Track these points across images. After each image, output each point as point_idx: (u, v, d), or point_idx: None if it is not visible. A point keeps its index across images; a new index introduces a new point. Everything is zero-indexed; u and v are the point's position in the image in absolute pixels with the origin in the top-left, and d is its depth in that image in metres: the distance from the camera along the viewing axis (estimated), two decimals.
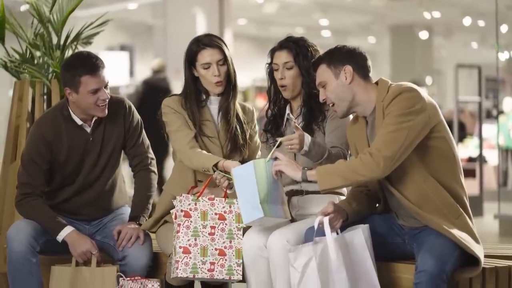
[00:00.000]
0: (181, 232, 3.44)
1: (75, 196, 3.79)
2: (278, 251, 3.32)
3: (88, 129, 3.74)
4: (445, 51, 24.00)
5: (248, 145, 3.75)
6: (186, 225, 3.45)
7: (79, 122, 3.72)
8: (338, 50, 3.33)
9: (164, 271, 3.63)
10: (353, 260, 3.17)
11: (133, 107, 3.86)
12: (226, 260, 3.44)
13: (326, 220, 3.17)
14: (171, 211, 3.52)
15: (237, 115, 3.74)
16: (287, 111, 3.69)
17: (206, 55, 3.65)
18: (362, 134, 3.35)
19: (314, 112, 3.59)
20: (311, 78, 3.54)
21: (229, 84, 3.70)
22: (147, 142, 3.90)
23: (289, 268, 3.18)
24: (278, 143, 3.36)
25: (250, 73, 17.85)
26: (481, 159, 10.05)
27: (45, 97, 4.41)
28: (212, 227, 3.47)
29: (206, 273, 3.43)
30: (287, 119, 3.67)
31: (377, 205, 3.44)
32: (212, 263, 3.43)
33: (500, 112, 12.69)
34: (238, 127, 3.71)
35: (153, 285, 3.54)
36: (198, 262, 3.42)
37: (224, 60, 3.66)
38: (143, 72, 16.51)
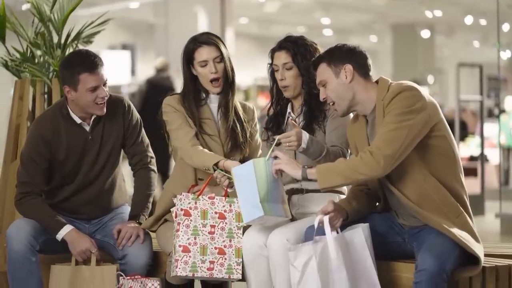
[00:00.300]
0: (181, 231, 3.44)
1: (74, 195, 3.79)
2: (278, 250, 3.33)
3: (87, 128, 3.74)
4: (447, 50, 23.99)
5: (249, 143, 3.76)
6: (186, 224, 3.45)
7: (78, 120, 3.73)
8: (338, 49, 3.33)
9: (164, 270, 3.63)
10: (353, 259, 3.17)
11: (132, 106, 3.86)
12: (225, 259, 3.45)
13: (326, 219, 3.17)
14: (171, 209, 3.52)
15: (237, 113, 3.74)
16: (288, 109, 3.69)
17: (203, 53, 3.66)
18: (362, 133, 3.35)
19: (314, 112, 3.59)
20: (311, 78, 3.54)
21: (227, 81, 3.71)
22: (146, 140, 3.90)
23: (289, 267, 3.18)
24: (276, 140, 3.37)
25: (252, 72, 17.85)
26: (482, 158, 10.03)
27: (45, 96, 4.41)
28: (212, 226, 3.47)
29: (205, 272, 3.43)
30: (288, 117, 3.67)
31: (377, 204, 3.44)
32: (211, 262, 3.43)
33: (502, 111, 12.68)
34: (238, 125, 3.71)
35: (153, 284, 3.54)
36: (198, 261, 3.42)
37: (221, 57, 3.67)
38: (145, 71, 16.52)
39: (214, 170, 3.48)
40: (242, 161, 3.63)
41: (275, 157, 3.30)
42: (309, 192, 3.58)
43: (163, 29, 14.26)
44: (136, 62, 16.58)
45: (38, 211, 3.66)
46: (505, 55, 13.30)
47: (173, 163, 9.28)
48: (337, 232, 3.22)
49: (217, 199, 3.49)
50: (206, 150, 3.58)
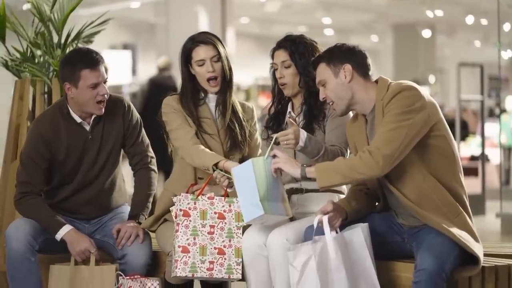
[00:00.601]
0: (180, 232, 3.44)
1: (74, 195, 3.79)
2: (278, 250, 3.33)
3: (87, 127, 3.75)
4: (448, 50, 23.99)
5: (248, 142, 3.76)
6: (185, 224, 3.45)
7: (78, 120, 3.73)
8: (337, 48, 3.33)
9: (163, 270, 3.63)
10: (353, 259, 3.17)
11: (132, 106, 3.87)
12: (225, 259, 3.45)
13: (325, 219, 3.17)
14: (170, 208, 3.52)
15: (236, 112, 3.74)
16: (289, 109, 3.69)
17: (200, 52, 3.67)
18: (361, 132, 3.35)
19: (314, 111, 3.59)
20: (309, 76, 3.55)
21: (225, 81, 3.71)
22: (146, 141, 3.90)
23: (288, 267, 3.18)
24: (274, 139, 3.37)
25: (253, 71, 17.84)
26: (483, 158, 10.03)
27: (45, 96, 4.41)
28: (212, 226, 3.47)
29: (205, 272, 3.43)
30: (289, 117, 3.67)
31: (376, 203, 3.44)
32: (211, 262, 3.43)
33: (503, 110, 12.68)
34: (236, 123, 3.71)
35: (152, 284, 3.54)
36: (197, 261, 3.42)
37: (218, 56, 3.67)
38: (146, 70, 16.52)
39: (214, 171, 3.48)
40: (242, 160, 3.64)
41: (274, 156, 3.30)
42: (309, 192, 3.58)
43: (164, 29, 14.26)
44: (137, 62, 16.60)
45: (38, 211, 3.66)
46: (506, 54, 13.28)
47: None
48: (336, 232, 3.21)
49: (216, 199, 3.49)
50: (206, 150, 3.58)
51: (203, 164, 3.52)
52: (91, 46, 4.60)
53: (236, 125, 3.71)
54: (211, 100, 3.74)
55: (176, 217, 3.46)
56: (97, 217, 3.86)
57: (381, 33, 22.10)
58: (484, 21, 17.97)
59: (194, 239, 3.45)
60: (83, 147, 3.73)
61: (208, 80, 3.68)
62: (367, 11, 18.83)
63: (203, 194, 3.50)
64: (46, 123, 3.72)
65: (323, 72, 3.32)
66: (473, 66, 11.14)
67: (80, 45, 4.56)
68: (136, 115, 3.86)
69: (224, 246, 3.45)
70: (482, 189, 9.72)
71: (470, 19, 17.48)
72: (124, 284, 3.54)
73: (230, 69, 3.73)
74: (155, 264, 3.71)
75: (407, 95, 3.17)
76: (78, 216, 3.82)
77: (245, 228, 3.50)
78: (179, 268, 3.41)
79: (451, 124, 10.06)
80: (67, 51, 4.48)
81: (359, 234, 3.20)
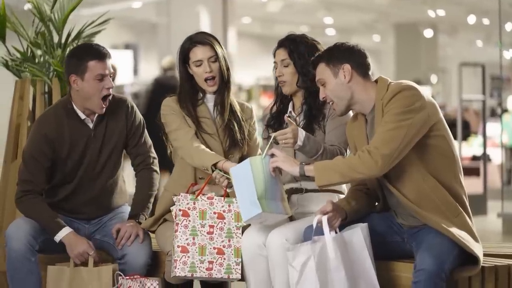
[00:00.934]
0: (179, 232, 3.45)
1: (75, 194, 3.78)
2: (277, 250, 3.32)
3: (91, 125, 3.75)
4: (450, 49, 23.98)
5: (247, 142, 3.76)
6: (184, 224, 3.45)
7: (83, 116, 3.73)
8: (336, 48, 3.33)
9: (163, 269, 3.63)
10: (352, 259, 3.17)
11: (135, 107, 3.87)
12: (225, 259, 3.45)
13: (324, 219, 3.17)
14: (171, 208, 3.52)
15: (234, 112, 3.74)
16: (289, 108, 3.69)
17: (198, 53, 3.68)
18: (361, 132, 3.35)
19: (313, 111, 3.59)
20: (308, 76, 3.55)
21: (223, 81, 3.71)
22: (149, 141, 3.91)
23: (288, 267, 3.18)
24: (272, 138, 3.37)
25: (254, 71, 17.85)
26: (485, 158, 10.02)
27: (46, 95, 4.41)
28: (211, 226, 3.47)
29: (204, 272, 3.43)
30: (288, 116, 3.67)
31: (376, 203, 3.43)
32: (210, 262, 3.44)
33: (504, 110, 12.67)
34: (235, 123, 3.72)
35: (152, 284, 3.54)
36: (196, 261, 3.43)
37: (216, 57, 3.68)
38: (148, 70, 16.53)
39: (213, 171, 3.48)
40: (241, 159, 3.64)
41: (272, 155, 3.30)
42: (309, 192, 3.58)
43: (166, 28, 14.27)
44: (138, 62, 16.61)
45: (39, 211, 3.66)
46: (507, 54, 13.27)
47: None
48: (336, 232, 3.21)
49: (216, 199, 3.49)
50: (206, 150, 3.58)
51: (202, 164, 3.52)
52: None
53: (235, 125, 3.71)
54: (210, 100, 3.74)
55: (175, 217, 3.46)
56: (97, 217, 3.85)
57: (383, 33, 22.10)
58: (486, 21, 17.97)
59: (194, 239, 3.45)
60: (85, 144, 3.73)
61: (206, 80, 3.68)
62: (369, 11, 18.83)
63: (203, 194, 3.51)
64: (50, 122, 3.72)
65: (322, 72, 3.32)
66: (475, 66, 11.13)
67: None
68: (139, 115, 3.87)
69: (224, 246, 3.45)
70: (483, 189, 9.71)
71: (472, 19, 17.48)
72: (123, 284, 3.54)
73: (228, 69, 3.73)
74: (155, 264, 3.71)
75: (407, 95, 3.16)
76: (79, 216, 3.82)
77: (244, 228, 3.50)
78: (178, 268, 3.41)
79: (453, 124, 10.06)
80: (68, 51, 4.48)
81: (358, 234, 3.19)
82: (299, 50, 3.60)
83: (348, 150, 3.54)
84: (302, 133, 3.38)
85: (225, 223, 3.48)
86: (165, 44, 14.08)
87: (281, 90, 3.71)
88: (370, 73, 3.32)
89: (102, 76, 3.64)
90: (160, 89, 8.86)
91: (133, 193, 3.89)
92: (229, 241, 3.46)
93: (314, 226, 3.19)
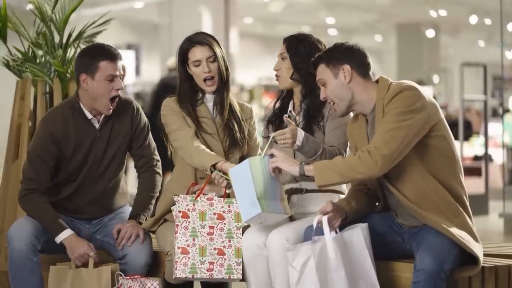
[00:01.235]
0: (179, 233, 3.45)
1: (78, 193, 3.78)
2: (277, 250, 3.32)
3: (97, 125, 3.75)
4: (452, 50, 23.96)
5: (247, 141, 3.76)
6: (184, 226, 3.46)
7: (89, 116, 3.74)
8: (336, 48, 3.33)
9: (164, 269, 3.63)
10: (352, 259, 3.17)
11: (141, 109, 3.88)
12: (225, 259, 3.45)
13: (325, 219, 3.17)
14: (172, 208, 3.52)
15: (234, 111, 3.75)
16: (290, 107, 3.70)
17: (196, 53, 3.69)
18: (362, 132, 3.35)
19: (310, 111, 3.59)
20: (302, 71, 3.55)
21: (222, 81, 3.72)
22: (153, 144, 3.91)
23: (288, 267, 3.18)
24: (271, 138, 3.37)
25: (256, 71, 17.85)
26: (486, 158, 10.01)
27: (47, 96, 4.42)
28: (211, 227, 3.47)
29: (205, 273, 3.43)
30: (289, 116, 3.68)
31: (376, 203, 3.43)
32: (211, 263, 3.44)
33: (506, 110, 12.65)
34: (235, 122, 3.72)
35: (152, 284, 3.54)
36: (197, 262, 3.43)
37: (214, 57, 3.68)
38: (149, 70, 16.53)
39: (211, 172, 3.48)
40: (241, 159, 3.64)
41: (271, 155, 3.30)
42: (309, 192, 3.57)
43: (168, 29, 14.28)
44: (140, 62, 16.62)
45: (42, 211, 3.66)
46: (509, 54, 13.27)
47: None
48: (336, 232, 3.21)
49: (215, 200, 3.49)
50: (206, 150, 3.58)
51: (202, 165, 3.52)
52: None
53: (235, 124, 3.72)
54: (209, 100, 3.75)
55: (175, 218, 3.47)
56: (99, 218, 3.86)
57: (384, 33, 22.10)
58: (488, 21, 17.96)
59: (194, 240, 3.45)
60: (91, 144, 3.74)
61: (205, 80, 3.69)
62: (371, 11, 18.83)
63: (203, 194, 3.51)
64: (56, 121, 3.72)
65: (322, 72, 3.32)
66: (477, 66, 11.13)
67: (82, 46, 4.57)
68: (144, 118, 3.88)
69: (224, 247, 3.46)
70: (485, 189, 9.70)
71: (473, 19, 17.48)
72: (124, 284, 3.54)
73: (226, 69, 3.73)
74: (155, 264, 3.71)
75: (408, 95, 3.16)
76: (80, 216, 3.82)
77: (244, 228, 3.50)
78: (178, 270, 3.41)
79: (455, 124, 10.06)
80: (69, 51, 4.49)
81: (358, 234, 3.19)
82: (297, 46, 3.60)
83: (347, 151, 3.54)
84: (301, 134, 3.39)
85: (225, 223, 3.48)
86: (167, 44, 14.08)
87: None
88: (370, 73, 3.32)
89: (113, 76, 3.66)
90: (164, 89, 8.86)
91: (134, 194, 3.90)
92: (229, 241, 3.47)
93: (314, 226, 3.19)
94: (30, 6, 4.56)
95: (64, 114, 3.74)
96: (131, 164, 4.02)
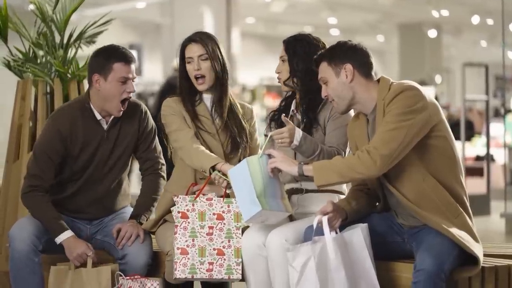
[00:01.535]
0: (179, 234, 3.45)
1: (80, 193, 3.78)
2: (277, 250, 3.32)
3: (105, 126, 3.76)
4: (454, 50, 23.94)
5: (248, 142, 3.76)
6: (184, 226, 3.46)
7: (99, 116, 3.74)
8: (339, 47, 3.32)
9: (164, 270, 3.63)
10: (352, 259, 3.17)
11: (148, 112, 3.89)
12: (225, 259, 3.45)
13: (325, 219, 3.17)
14: (171, 208, 3.52)
15: (235, 112, 3.74)
16: (292, 107, 3.70)
17: (190, 50, 3.71)
18: (362, 131, 3.34)
19: (308, 113, 3.59)
20: (299, 77, 3.56)
21: (218, 81, 3.71)
22: (159, 148, 3.92)
23: (288, 268, 3.18)
24: (268, 137, 3.38)
25: (258, 71, 17.83)
26: (488, 158, 10.00)
27: (48, 96, 4.42)
28: (210, 227, 3.47)
29: (204, 273, 3.43)
30: (291, 115, 3.68)
31: (377, 203, 3.43)
32: (210, 263, 3.44)
33: (508, 110, 12.64)
34: (236, 123, 3.72)
35: (152, 284, 3.54)
36: (196, 262, 3.43)
37: (207, 56, 3.68)
38: (151, 71, 16.53)
39: (210, 173, 3.48)
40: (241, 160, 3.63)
41: (270, 155, 3.30)
42: (309, 192, 3.57)
43: (169, 29, 14.28)
44: (142, 62, 16.61)
45: (44, 210, 3.65)
46: (511, 54, 13.25)
47: None
48: (336, 233, 3.21)
49: (215, 200, 3.49)
50: (206, 151, 3.58)
51: (201, 166, 3.52)
52: (94, 47, 4.61)
53: (235, 124, 3.71)
54: (207, 99, 3.75)
55: (175, 219, 3.47)
56: (100, 218, 3.86)
57: (386, 33, 22.09)
58: (490, 21, 17.95)
59: (193, 240, 3.45)
60: (98, 144, 3.74)
61: (196, 78, 3.69)
62: (373, 11, 18.82)
63: (203, 194, 3.51)
64: (65, 119, 3.72)
65: (324, 71, 3.32)
66: (478, 66, 11.12)
67: (83, 47, 4.59)
68: (152, 121, 3.88)
69: (224, 247, 3.46)
70: (487, 189, 9.69)
71: (476, 19, 17.46)
72: (124, 285, 3.54)
73: (223, 69, 3.71)
74: (155, 264, 3.71)
75: (409, 95, 3.16)
76: (81, 216, 3.82)
77: (244, 228, 3.50)
78: (178, 270, 3.42)
79: (457, 124, 10.05)
80: (69, 51, 4.50)
81: (358, 234, 3.19)
82: (295, 46, 3.60)
83: (347, 152, 3.53)
84: (299, 133, 3.38)
85: (224, 223, 3.48)
86: (169, 44, 14.09)
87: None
88: (372, 72, 3.31)
89: (126, 79, 3.66)
90: (170, 89, 8.89)
91: (136, 195, 3.90)
92: (229, 241, 3.46)
93: (315, 226, 3.19)
94: (31, 7, 4.56)
95: (73, 113, 3.74)
96: (134, 166, 4.02)
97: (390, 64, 22.67)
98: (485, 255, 3.26)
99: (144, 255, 3.65)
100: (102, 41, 4.62)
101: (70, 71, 4.44)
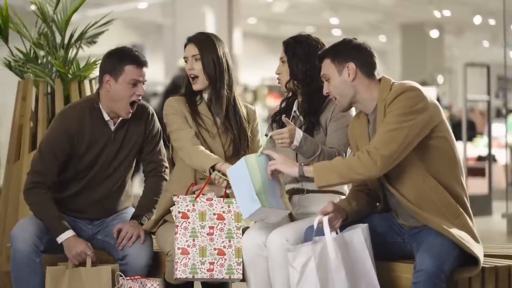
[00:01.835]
0: (179, 234, 3.45)
1: (83, 192, 3.78)
2: (277, 250, 3.32)
3: (112, 127, 3.75)
4: (456, 50, 23.93)
5: (250, 143, 3.76)
6: (184, 226, 3.46)
7: (107, 117, 3.74)
8: (343, 45, 3.33)
9: (164, 270, 3.63)
10: (353, 259, 3.16)
11: (155, 115, 3.89)
12: (225, 259, 3.45)
13: (325, 219, 3.16)
14: (171, 208, 3.52)
15: (237, 113, 3.74)
16: (294, 107, 3.70)
17: (187, 50, 3.74)
18: (363, 132, 3.34)
19: (308, 115, 3.58)
20: (299, 79, 3.56)
21: (213, 81, 3.71)
22: (163, 151, 3.92)
23: (288, 268, 3.18)
24: (269, 136, 3.38)
25: (260, 72, 17.82)
26: (490, 158, 10.00)
27: (48, 96, 4.43)
28: (211, 227, 3.47)
29: (205, 273, 3.43)
30: (293, 116, 3.67)
31: (377, 204, 3.43)
32: (211, 263, 3.44)
33: (510, 110, 12.62)
34: (237, 124, 3.72)
35: (152, 285, 3.54)
36: (197, 262, 3.43)
37: (200, 56, 3.69)
38: (153, 71, 16.48)
39: (210, 173, 3.48)
40: None
41: (269, 157, 3.30)
42: (310, 193, 3.57)
43: (171, 29, 14.28)
44: None
45: (46, 208, 3.65)
46: None
47: None
48: (337, 233, 3.21)
49: (215, 200, 3.49)
50: (206, 151, 3.58)
51: (201, 166, 3.52)
52: (95, 47, 4.63)
53: (237, 125, 3.71)
54: (207, 100, 3.75)
55: (175, 219, 3.47)
56: (101, 219, 3.85)
57: (389, 33, 22.08)
58: (492, 21, 17.94)
59: (194, 240, 3.45)
60: (104, 145, 3.74)
61: (191, 77, 3.71)
62: (375, 11, 18.82)
63: (203, 194, 3.51)
64: (73, 117, 3.72)
65: (327, 67, 3.31)
66: (480, 66, 11.11)
67: (83, 47, 4.59)
68: (158, 124, 3.89)
69: (224, 247, 3.46)
70: (489, 190, 9.68)
71: (477, 19, 17.46)
72: (124, 285, 3.54)
73: (216, 70, 3.69)
74: (156, 265, 3.71)
75: (410, 96, 3.15)
76: (83, 216, 3.82)
77: (244, 228, 3.50)
78: (179, 270, 3.41)
79: (459, 125, 10.04)
80: (70, 51, 4.50)
81: (359, 234, 3.19)
82: (295, 47, 3.60)
83: (348, 152, 3.53)
84: (299, 134, 3.38)
85: (225, 223, 3.48)
86: (170, 45, 14.09)
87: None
88: (375, 72, 3.31)
89: (136, 81, 3.67)
90: (174, 88, 8.91)
91: (138, 196, 3.90)
92: (229, 241, 3.46)
93: (315, 226, 3.19)
94: (32, 7, 4.57)
95: (81, 112, 3.74)
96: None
97: (392, 64, 22.65)
98: (485, 256, 3.26)
99: (145, 256, 3.65)
100: (104, 41, 4.63)
101: (71, 72, 4.44)
